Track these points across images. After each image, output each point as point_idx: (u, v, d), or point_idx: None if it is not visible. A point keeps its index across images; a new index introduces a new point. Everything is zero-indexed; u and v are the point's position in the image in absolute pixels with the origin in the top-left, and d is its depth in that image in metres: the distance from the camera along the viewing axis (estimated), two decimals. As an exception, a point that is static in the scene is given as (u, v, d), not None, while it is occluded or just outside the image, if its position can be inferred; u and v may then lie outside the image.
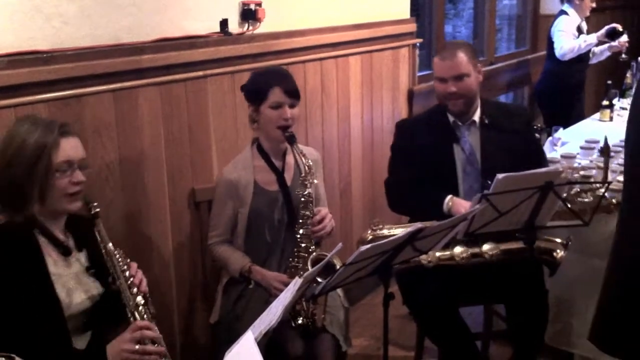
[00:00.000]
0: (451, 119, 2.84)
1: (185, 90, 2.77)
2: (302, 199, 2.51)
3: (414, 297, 2.73)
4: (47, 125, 1.93)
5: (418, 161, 2.79)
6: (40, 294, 1.87)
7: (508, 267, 2.61)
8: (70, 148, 1.94)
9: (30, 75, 2.23)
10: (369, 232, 2.64)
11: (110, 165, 2.53)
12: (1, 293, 1.82)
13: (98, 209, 2.02)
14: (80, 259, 2.05)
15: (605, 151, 3.04)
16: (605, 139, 3.08)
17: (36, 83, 2.25)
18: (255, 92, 2.56)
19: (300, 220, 2.52)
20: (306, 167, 2.50)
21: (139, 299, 1.99)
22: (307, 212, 2.51)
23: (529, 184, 2.34)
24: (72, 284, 1.97)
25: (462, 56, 2.73)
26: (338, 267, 2.23)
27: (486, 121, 2.81)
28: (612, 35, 5.22)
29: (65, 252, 1.98)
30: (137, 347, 1.88)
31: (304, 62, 3.35)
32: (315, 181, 2.55)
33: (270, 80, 2.54)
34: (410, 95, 4.18)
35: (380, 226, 2.64)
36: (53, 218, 1.98)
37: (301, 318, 2.43)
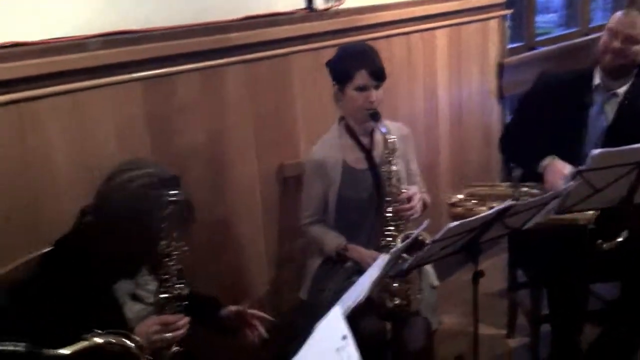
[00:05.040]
0: (596, 82, 2.74)
1: (270, 67, 2.80)
2: (387, 177, 2.48)
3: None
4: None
5: (547, 116, 2.73)
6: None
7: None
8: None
9: (123, 54, 2.29)
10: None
11: (198, 142, 2.58)
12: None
13: None
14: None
15: None
16: None
17: (129, 62, 2.32)
18: (340, 72, 2.51)
19: (388, 199, 2.48)
20: (390, 144, 2.47)
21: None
22: (394, 190, 2.47)
23: (627, 160, 2.24)
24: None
25: None
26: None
27: (626, 102, 2.71)
28: None
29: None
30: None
31: (388, 37, 3.31)
32: (397, 159, 2.50)
33: (356, 61, 2.47)
34: (500, 69, 4.07)
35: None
36: None
37: (398, 299, 2.41)
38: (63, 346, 1.48)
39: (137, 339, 1.57)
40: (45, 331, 1.71)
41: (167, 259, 1.92)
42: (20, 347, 1.38)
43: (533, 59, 4.42)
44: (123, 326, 1.85)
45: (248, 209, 2.80)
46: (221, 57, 2.60)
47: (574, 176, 2.26)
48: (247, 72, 2.71)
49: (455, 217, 2.46)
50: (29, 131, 2.11)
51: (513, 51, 4.28)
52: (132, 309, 1.97)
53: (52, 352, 1.42)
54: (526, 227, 2.17)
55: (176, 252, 1.93)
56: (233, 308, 2.16)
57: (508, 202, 1.99)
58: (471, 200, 2.61)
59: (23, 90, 2.07)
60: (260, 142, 2.79)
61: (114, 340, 1.51)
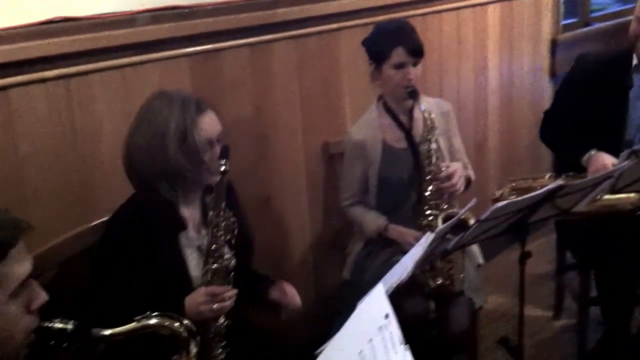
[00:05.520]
0: (635, 61, 2.65)
1: (318, 43, 2.77)
2: (427, 156, 2.44)
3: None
4: (183, 103, 1.93)
5: (587, 100, 2.65)
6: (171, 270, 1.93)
7: None
8: (208, 126, 1.96)
9: (172, 30, 2.31)
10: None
11: (244, 118, 2.59)
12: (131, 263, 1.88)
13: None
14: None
15: None
16: None
17: (178, 38, 2.33)
18: (377, 51, 2.47)
19: (428, 177, 2.45)
20: (428, 122, 2.42)
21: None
22: (434, 169, 2.44)
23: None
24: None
25: None
26: (471, 224, 2.17)
27: None
28: None
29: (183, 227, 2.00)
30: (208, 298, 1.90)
31: (439, 12, 3.25)
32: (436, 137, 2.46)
33: (393, 38, 2.42)
34: (553, 46, 3.97)
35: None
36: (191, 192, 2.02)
37: (440, 279, 2.39)
38: (129, 311, 1.51)
39: (187, 322, 1.57)
40: (114, 293, 1.83)
41: (215, 229, 1.94)
42: (69, 324, 1.39)
43: (588, 35, 4.29)
44: (187, 284, 1.93)
45: (293, 185, 2.81)
46: (269, 33, 2.59)
47: (628, 156, 2.20)
48: (295, 48, 2.70)
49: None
50: (77, 106, 2.14)
51: (567, 27, 4.16)
52: (198, 265, 1.98)
53: (99, 331, 1.44)
54: (576, 209, 2.12)
55: (225, 222, 1.95)
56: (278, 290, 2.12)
57: (559, 182, 1.94)
58: (514, 194, 2.55)
59: (72, 65, 2.10)
60: (307, 119, 2.79)
61: (164, 323, 1.52)
